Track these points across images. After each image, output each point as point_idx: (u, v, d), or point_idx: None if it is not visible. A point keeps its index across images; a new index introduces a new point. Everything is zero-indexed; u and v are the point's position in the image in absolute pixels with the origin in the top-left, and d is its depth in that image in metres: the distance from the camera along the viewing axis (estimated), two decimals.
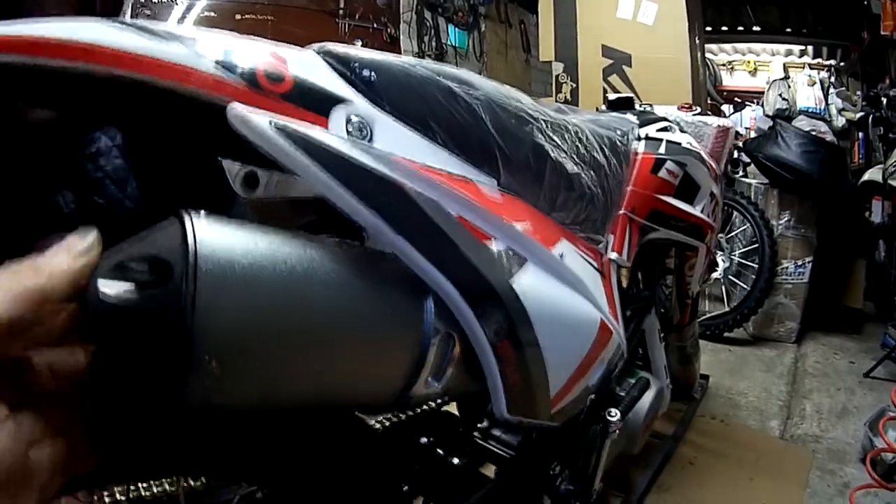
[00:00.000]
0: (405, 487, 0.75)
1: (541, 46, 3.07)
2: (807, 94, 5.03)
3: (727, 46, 5.19)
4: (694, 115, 1.52)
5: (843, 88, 3.85)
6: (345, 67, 0.44)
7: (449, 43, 3.88)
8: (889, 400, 1.75)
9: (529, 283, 0.45)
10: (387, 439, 0.76)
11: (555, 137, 0.60)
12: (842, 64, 4.81)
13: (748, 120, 4.64)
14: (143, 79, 0.33)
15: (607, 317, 0.61)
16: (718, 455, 1.70)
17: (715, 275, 2.51)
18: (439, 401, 0.89)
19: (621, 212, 0.90)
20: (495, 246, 0.43)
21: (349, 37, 3.66)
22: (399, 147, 0.43)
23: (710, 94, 4.45)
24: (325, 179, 0.36)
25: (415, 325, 0.38)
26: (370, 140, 0.42)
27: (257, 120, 0.35)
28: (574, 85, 2.91)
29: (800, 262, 2.60)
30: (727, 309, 2.54)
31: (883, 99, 3.53)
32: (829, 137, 2.79)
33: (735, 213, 2.61)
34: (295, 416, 0.39)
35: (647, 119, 1.17)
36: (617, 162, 0.84)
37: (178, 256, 0.27)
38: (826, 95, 4.96)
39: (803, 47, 5.14)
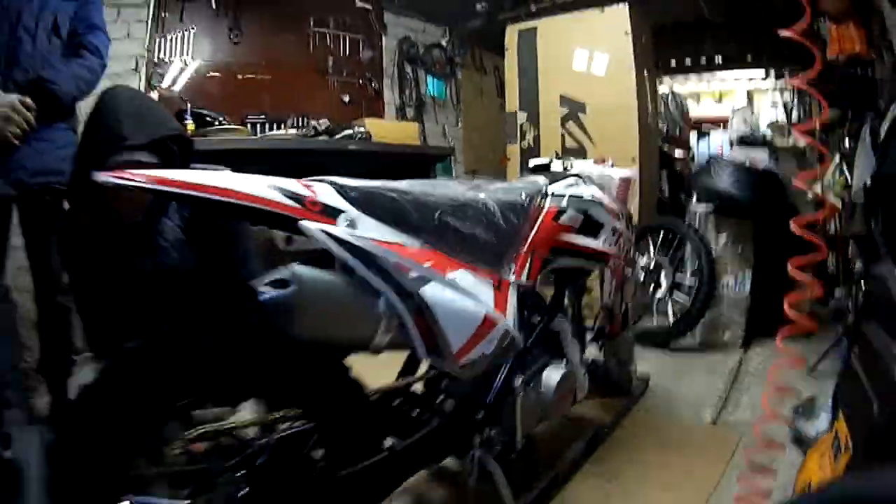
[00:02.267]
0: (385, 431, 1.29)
1: (507, 98, 3.67)
2: (769, 118, 5.60)
3: (692, 76, 5.81)
4: (607, 167, 2.05)
5: (776, 121, 4.41)
6: (344, 191, 1.01)
7: (428, 94, 4.51)
8: (828, 391, 1.83)
9: (430, 290, 1.02)
10: (376, 401, 1.32)
11: (455, 213, 1.17)
12: None
13: (715, 146, 5.20)
14: (251, 205, 0.90)
15: (492, 312, 1.17)
16: (648, 436, 2.07)
17: (659, 294, 3.03)
18: (410, 381, 1.44)
19: (523, 250, 1.43)
20: (411, 273, 1.00)
21: (338, 91, 4.23)
22: (369, 230, 1.00)
23: (679, 126, 5.03)
24: (336, 248, 0.93)
25: (374, 310, 0.96)
26: (355, 229, 0.98)
27: (314, 228, 0.92)
28: (536, 132, 3.49)
29: (739, 277, 3.13)
30: (670, 322, 3.04)
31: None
32: (764, 164, 3.29)
33: (679, 237, 3.12)
34: (332, 358, 0.98)
35: (555, 178, 1.71)
36: (515, 218, 1.39)
37: (293, 280, 0.88)
38: (788, 116, 5.57)
39: (765, 74, 5.74)
